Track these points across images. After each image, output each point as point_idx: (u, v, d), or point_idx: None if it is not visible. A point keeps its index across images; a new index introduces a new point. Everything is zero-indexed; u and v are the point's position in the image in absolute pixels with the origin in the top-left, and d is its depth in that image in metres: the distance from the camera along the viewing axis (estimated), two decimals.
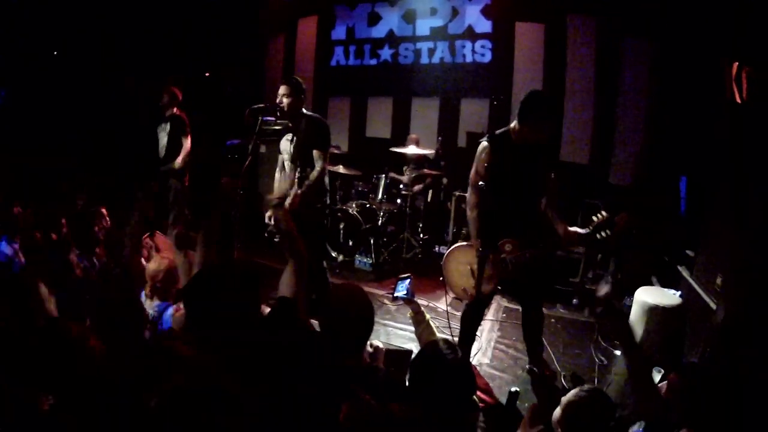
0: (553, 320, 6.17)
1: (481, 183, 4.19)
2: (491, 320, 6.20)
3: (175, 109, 7.52)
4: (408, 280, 3.75)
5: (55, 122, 9.44)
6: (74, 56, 9.94)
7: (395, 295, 3.72)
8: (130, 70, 10.06)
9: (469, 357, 4.59)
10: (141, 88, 9.46)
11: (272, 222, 5.75)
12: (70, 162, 8.75)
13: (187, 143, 7.46)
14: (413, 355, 2.74)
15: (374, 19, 10.02)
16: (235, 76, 10.61)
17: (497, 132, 4.42)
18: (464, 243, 4.73)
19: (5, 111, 9.52)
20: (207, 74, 10.45)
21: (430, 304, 6.54)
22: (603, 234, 4.17)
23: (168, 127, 7.45)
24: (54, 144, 9.10)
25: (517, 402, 3.94)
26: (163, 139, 7.52)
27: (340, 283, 7.53)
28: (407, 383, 2.66)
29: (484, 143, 4.35)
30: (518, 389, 3.98)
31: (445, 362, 2.45)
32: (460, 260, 4.66)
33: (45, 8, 9.46)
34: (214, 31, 10.45)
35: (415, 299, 3.66)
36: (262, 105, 5.51)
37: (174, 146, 7.43)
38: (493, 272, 4.39)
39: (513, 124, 4.30)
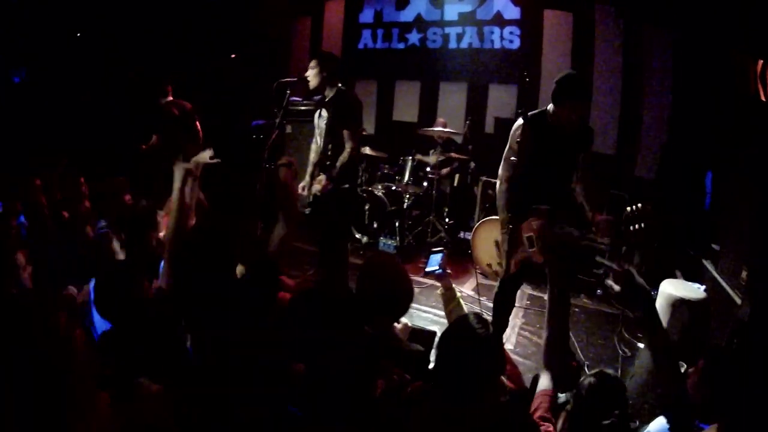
0: (576, 310, 6.23)
1: (513, 158, 4.28)
2: (516, 306, 6.15)
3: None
4: (440, 255, 3.63)
5: (78, 100, 9.58)
6: (101, 36, 10.04)
7: (426, 269, 3.63)
8: (153, 54, 10.17)
9: (499, 335, 4.53)
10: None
11: (305, 192, 5.76)
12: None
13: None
14: (440, 333, 2.67)
15: (402, 3, 10.05)
16: (261, 58, 10.68)
17: (532, 112, 4.34)
18: (491, 218, 4.86)
19: (26, 89, 9.66)
20: (233, 56, 10.51)
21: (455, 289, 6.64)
22: (635, 226, 3.95)
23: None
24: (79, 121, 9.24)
25: None
26: None
27: (376, 253, 7.69)
28: (433, 361, 2.59)
29: (519, 121, 4.27)
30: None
31: (475, 336, 2.39)
32: (485, 236, 4.83)
33: None
34: (239, 14, 10.54)
35: (447, 275, 3.53)
36: (289, 78, 5.55)
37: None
38: (518, 248, 4.32)
39: (549, 106, 4.28)
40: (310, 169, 5.85)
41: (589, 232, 4.18)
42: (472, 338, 2.38)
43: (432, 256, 3.66)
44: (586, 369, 4.82)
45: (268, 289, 3.00)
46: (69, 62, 9.78)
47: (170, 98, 7.14)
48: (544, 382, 3.02)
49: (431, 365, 2.76)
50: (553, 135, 4.21)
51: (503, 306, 4.80)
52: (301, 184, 5.82)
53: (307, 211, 5.81)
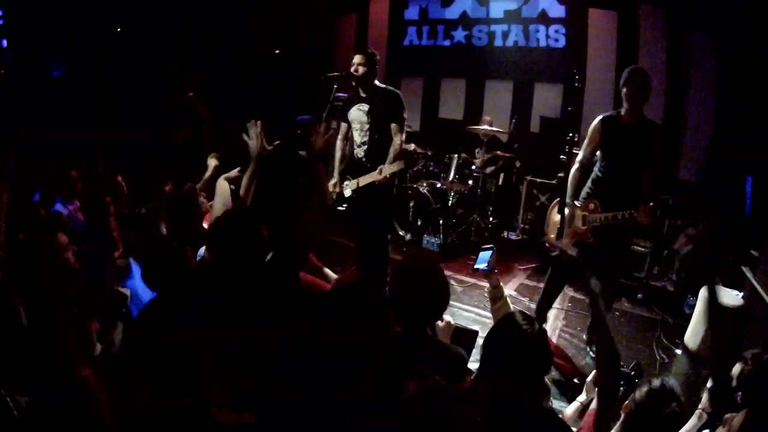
0: (617, 314, 6.30)
1: (586, 154, 4.99)
2: (557, 308, 6.32)
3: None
4: (491, 252, 3.62)
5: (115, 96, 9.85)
6: (141, 32, 10.34)
7: (475, 267, 3.61)
8: (202, 49, 10.39)
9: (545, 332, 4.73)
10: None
11: (335, 189, 5.87)
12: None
13: None
14: (483, 332, 2.68)
15: (448, 0, 10.14)
16: (306, 54, 10.89)
17: (608, 114, 4.90)
18: (558, 200, 5.27)
19: (65, 84, 9.95)
20: (277, 52, 10.71)
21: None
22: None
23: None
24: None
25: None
26: None
27: (415, 251, 7.80)
28: (479, 359, 2.55)
29: (595, 121, 4.91)
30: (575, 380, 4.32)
31: (522, 334, 2.38)
32: (555, 213, 5.28)
33: None
34: (284, 10, 10.75)
35: (496, 273, 3.55)
36: (337, 73, 5.66)
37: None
38: (573, 230, 4.94)
39: (623, 106, 4.72)
40: (338, 167, 5.99)
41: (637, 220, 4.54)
42: (518, 336, 2.39)
43: (482, 253, 3.67)
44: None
45: (288, 273, 3.15)
46: (109, 57, 10.13)
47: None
48: (591, 398, 3.25)
49: (474, 365, 2.74)
50: (626, 132, 4.69)
51: (551, 283, 5.39)
52: (331, 183, 5.93)
53: (344, 207, 5.93)
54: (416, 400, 2.35)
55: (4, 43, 9.73)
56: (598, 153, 4.95)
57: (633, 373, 3.41)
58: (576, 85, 7.87)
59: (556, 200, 5.40)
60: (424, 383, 2.42)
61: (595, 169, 5.00)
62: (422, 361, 2.60)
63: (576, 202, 4.94)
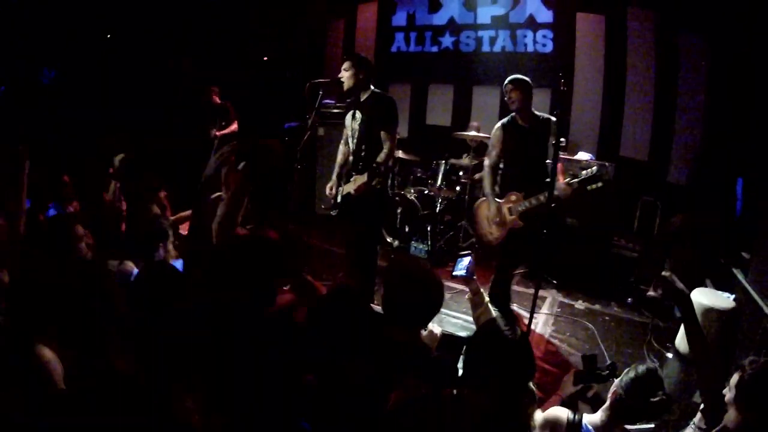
0: (607, 318, 6.32)
1: (492, 157, 5.84)
2: (546, 314, 6.37)
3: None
4: (468, 258, 3.66)
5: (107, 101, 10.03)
6: (131, 39, 10.41)
7: (454, 273, 3.65)
8: (188, 54, 10.51)
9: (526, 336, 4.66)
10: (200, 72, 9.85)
11: (331, 192, 5.93)
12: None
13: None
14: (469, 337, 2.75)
15: (435, 6, 10.18)
16: (294, 61, 10.89)
17: (505, 120, 5.92)
18: (483, 199, 5.95)
19: (57, 90, 10.06)
20: (265, 59, 10.71)
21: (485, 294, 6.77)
22: (593, 186, 5.25)
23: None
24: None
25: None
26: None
27: (405, 257, 7.74)
28: (462, 366, 2.62)
29: (496, 129, 5.94)
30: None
31: (503, 339, 2.44)
32: (479, 214, 6.02)
33: None
34: (271, 16, 10.80)
35: (475, 279, 3.60)
36: (323, 79, 5.64)
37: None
38: (502, 220, 5.67)
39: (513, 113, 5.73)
40: (336, 170, 5.98)
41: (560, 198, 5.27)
42: (499, 341, 2.43)
43: (459, 259, 3.70)
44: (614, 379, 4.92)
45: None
46: (98, 62, 10.20)
47: None
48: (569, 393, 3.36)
49: (460, 372, 2.75)
50: (519, 133, 5.65)
51: (498, 299, 5.75)
52: (328, 186, 5.96)
53: (334, 212, 5.95)
54: (400, 412, 2.38)
55: None
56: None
57: (607, 372, 3.40)
58: (562, 89, 7.88)
59: (481, 199, 6.01)
60: (408, 394, 2.46)
61: (504, 168, 5.94)
62: (409, 368, 2.64)
63: (497, 199, 5.73)
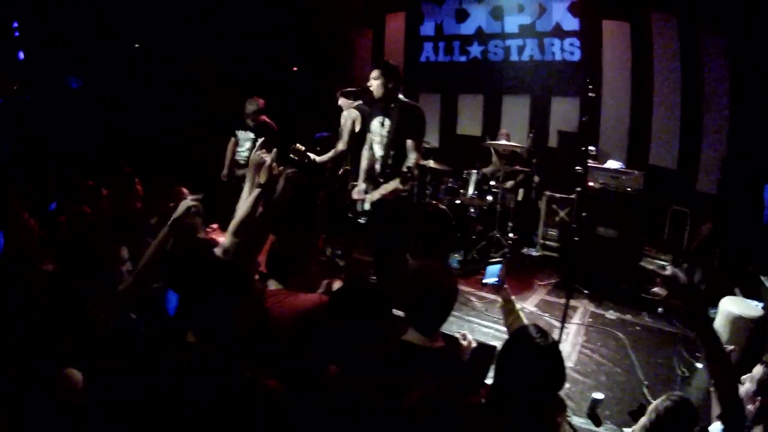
0: (638, 328, 6.45)
1: None
2: (577, 324, 6.49)
3: (262, 117, 8.01)
4: (499, 266, 3.63)
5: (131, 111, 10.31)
6: (160, 48, 10.77)
7: (484, 281, 3.64)
8: (214, 64, 10.79)
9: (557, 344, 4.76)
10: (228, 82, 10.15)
11: (358, 196, 6.01)
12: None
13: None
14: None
15: (462, 16, 10.45)
16: (322, 71, 11.16)
17: None
18: None
19: (83, 98, 10.42)
20: (294, 69, 10.94)
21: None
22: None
23: (251, 135, 7.96)
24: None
25: (598, 409, 4.27)
26: (246, 144, 8.02)
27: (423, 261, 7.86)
28: (493, 374, 2.60)
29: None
30: (601, 396, 4.31)
31: (535, 346, 2.43)
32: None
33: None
34: (299, 26, 11.10)
35: (506, 287, 3.60)
36: (353, 88, 5.89)
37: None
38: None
39: None
40: (362, 176, 6.13)
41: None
42: (531, 348, 2.44)
43: (489, 267, 3.70)
44: (645, 390, 5.05)
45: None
46: (127, 70, 10.59)
47: None
48: None
49: (490, 380, 2.76)
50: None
51: None
52: (355, 191, 6.10)
53: (362, 220, 6.06)
54: (417, 410, 2.44)
55: (21, 55, 10.16)
56: None
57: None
58: (590, 95, 7.99)
59: None
60: (426, 393, 2.51)
61: None
62: (431, 370, 2.73)
63: None
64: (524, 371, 2.41)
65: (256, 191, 3.96)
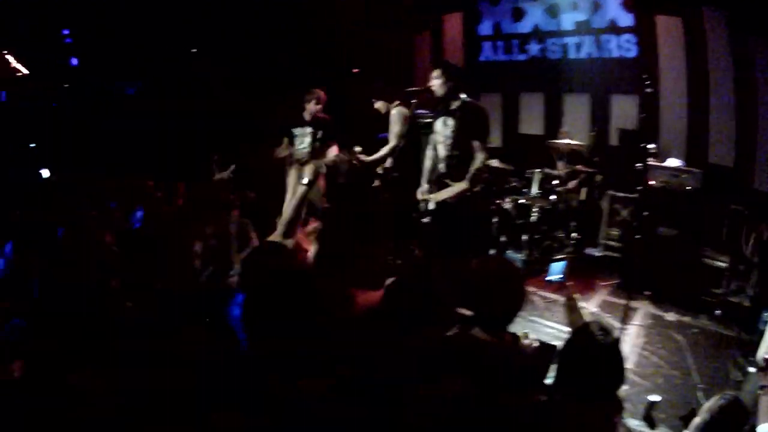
0: (695, 330, 6.48)
1: None
2: (637, 325, 6.58)
3: (320, 113, 8.26)
4: (563, 264, 3.72)
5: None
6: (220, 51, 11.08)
7: (547, 278, 3.75)
8: (276, 70, 11.07)
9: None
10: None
11: (423, 197, 6.26)
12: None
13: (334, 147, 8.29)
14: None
15: (519, 14, 10.49)
16: (383, 73, 11.17)
17: None
18: None
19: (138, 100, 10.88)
20: (355, 71, 11.23)
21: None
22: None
23: (310, 129, 8.19)
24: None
25: (654, 412, 4.36)
26: (305, 139, 8.22)
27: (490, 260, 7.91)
28: (554, 373, 2.68)
29: None
30: (657, 399, 4.42)
31: (595, 344, 2.47)
32: None
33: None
34: (359, 29, 11.27)
35: (569, 284, 3.70)
36: (416, 88, 6.12)
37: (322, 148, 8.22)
38: None
39: None
40: (426, 176, 6.40)
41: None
42: (592, 346, 2.49)
43: (553, 264, 3.81)
44: (699, 393, 5.09)
45: None
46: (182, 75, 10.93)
47: None
48: None
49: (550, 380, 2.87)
50: None
51: None
52: (419, 191, 6.36)
53: (426, 219, 6.28)
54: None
55: (74, 61, 10.62)
56: None
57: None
58: (647, 91, 7.84)
59: None
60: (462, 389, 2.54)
61: None
62: (494, 365, 2.76)
63: None
64: (585, 368, 2.47)
65: (303, 188, 4.15)
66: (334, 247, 4.02)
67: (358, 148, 7.87)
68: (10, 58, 9.46)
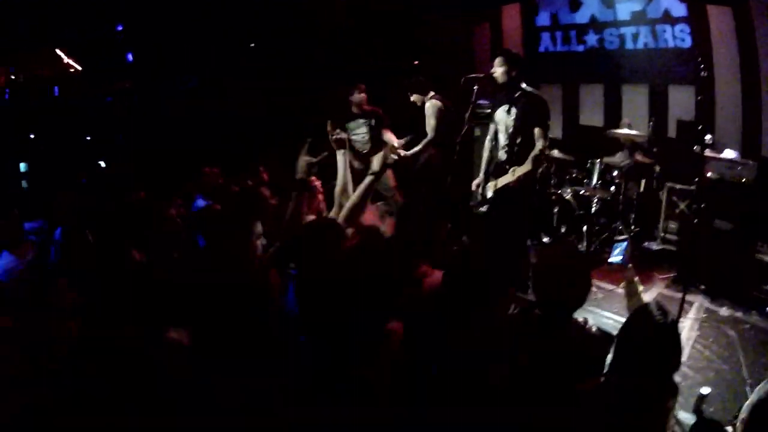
0: (747, 326, 6.56)
1: None
2: (692, 319, 6.72)
3: (366, 104, 8.54)
4: (625, 244, 3.85)
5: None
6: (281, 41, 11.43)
7: (610, 260, 3.89)
8: (336, 62, 11.35)
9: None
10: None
11: (480, 189, 6.53)
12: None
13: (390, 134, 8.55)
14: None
15: (575, 5, 10.54)
16: (443, 64, 11.35)
17: None
18: None
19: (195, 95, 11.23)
20: (416, 62, 11.40)
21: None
22: None
23: (363, 120, 8.51)
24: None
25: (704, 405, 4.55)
26: (362, 129, 8.53)
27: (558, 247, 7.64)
28: (612, 355, 2.70)
29: None
30: (708, 391, 4.59)
31: (654, 324, 2.50)
32: None
33: None
34: (418, 23, 11.58)
35: (630, 267, 3.74)
36: (478, 74, 6.33)
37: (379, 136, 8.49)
38: None
39: None
40: (484, 167, 6.67)
41: None
42: (651, 325, 2.52)
43: (617, 244, 3.92)
44: (748, 389, 5.22)
45: None
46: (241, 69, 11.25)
47: None
48: None
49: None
50: None
51: None
52: (475, 182, 6.66)
53: (484, 208, 6.56)
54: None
55: (130, 57, 11.16)
56: None
57: None
58: (703, 74, 8.00)
59: None
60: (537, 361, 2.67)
61: None
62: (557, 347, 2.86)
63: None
64: (643, 348, 2.53)
65: (369, 178, 4.25)
66: (413, 230, 4.03)
67: (398, 143, 8.17)
68: (62, 54, 9.94)
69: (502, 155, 6.46)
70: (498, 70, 6.07)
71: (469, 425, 2.46)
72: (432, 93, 8.41)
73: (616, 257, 3.92)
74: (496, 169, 6.52)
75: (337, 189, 4.78)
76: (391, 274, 3.15)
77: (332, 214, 4.44)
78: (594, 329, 3.34)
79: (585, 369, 2.83)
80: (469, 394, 2.55)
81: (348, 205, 4.22)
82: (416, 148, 8.35)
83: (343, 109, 8.54)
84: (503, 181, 6.30)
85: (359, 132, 8.53)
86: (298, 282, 3.43)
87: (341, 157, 4.87)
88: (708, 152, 7.77)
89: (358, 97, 8.41)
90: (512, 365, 2.69)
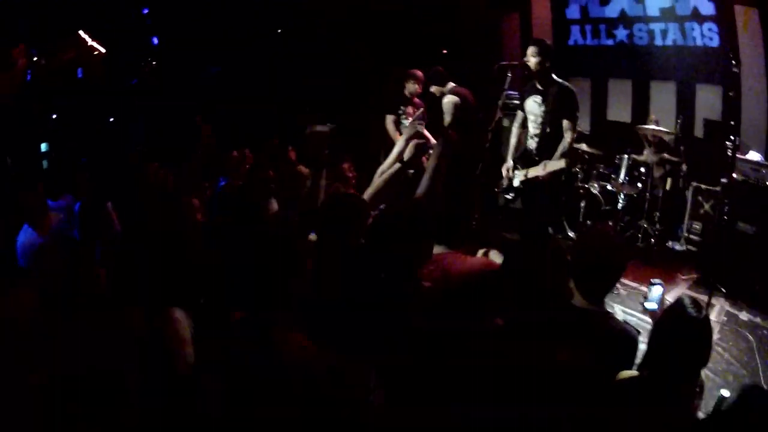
0: (766, 331, 6.61)
1: None
2: (713, 321, 6.61)
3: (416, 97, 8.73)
4: (661, 290, 3.65)
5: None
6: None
7: (646, 306, 3.68)
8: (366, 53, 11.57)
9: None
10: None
11: (511, 175, 6.62)
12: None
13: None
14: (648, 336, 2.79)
15: None
16: (472, 54, 11.61)
17: None
18: None
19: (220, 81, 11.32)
20: (444, 51, 11.52)
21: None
22: None
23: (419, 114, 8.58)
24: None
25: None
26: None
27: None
28: (645, 348, 2.72)
29: None
30: (728, 394, 4.83)
31: (687, 317, 2.50)
32: None
33: None
34: (447, 10, 11.59)
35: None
36: (511, 62, 6.46)
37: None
38: None
39: None
40: (511, 152, 6.79)
41: None
42: (683, 319, 2.52)
43: (654, 288, 3.69)
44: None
45: None
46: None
47: None
48: None
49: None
50: None
51: None
52: (504, 167, 6.74)
53: (510, 196, 6.71)
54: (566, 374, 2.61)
55: (155, 40, 11.17)
56: None
57: None
58: (734, 70, 7.58)
59: None
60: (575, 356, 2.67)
61: None
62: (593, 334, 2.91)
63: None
64: (675, 340, 2.54)
65: (396, 166, 4.46)
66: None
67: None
68: (86, 37, 9.91)
69: (531, 144, 6.61)
70: (532, 60, 6.18)
71: (503, 419, 2.49)
72: (451, 84, 8.43)
73: (652, 304, 3.63)
74: (524, 158, 6.67)
75: (379, 170, 4.84)
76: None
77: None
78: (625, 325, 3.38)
79: (617, 364, 2.87)
80: (508, 388, 2.57)
81: (374, 185, 4.41)
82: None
83: (394, 97, 8.79)
84: (533, 172, 6.44)
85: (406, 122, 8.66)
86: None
87: (401, 143, 4.95)
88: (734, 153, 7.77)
89: (411, 84, 8.62)
90: (551, 361, 2.68)
